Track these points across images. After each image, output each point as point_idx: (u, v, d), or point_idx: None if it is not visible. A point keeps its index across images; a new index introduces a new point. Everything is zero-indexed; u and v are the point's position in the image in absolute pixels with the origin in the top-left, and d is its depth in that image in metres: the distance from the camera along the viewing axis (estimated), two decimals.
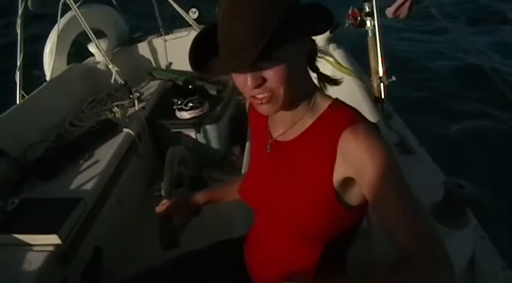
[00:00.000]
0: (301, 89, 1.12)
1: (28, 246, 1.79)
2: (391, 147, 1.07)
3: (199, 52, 1.07)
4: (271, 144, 1.25)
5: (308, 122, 1.15)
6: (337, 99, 1.17)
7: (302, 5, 1.05)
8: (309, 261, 1.25)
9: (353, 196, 1.12)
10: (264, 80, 1.01)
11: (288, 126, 1.19)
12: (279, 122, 1.23)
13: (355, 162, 1.03)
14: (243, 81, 1.02)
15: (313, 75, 1.22)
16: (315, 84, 1.20)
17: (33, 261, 1.72)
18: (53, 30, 3.18)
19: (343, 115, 1.10)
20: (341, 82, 1.23)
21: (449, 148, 4.23)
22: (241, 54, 0.94)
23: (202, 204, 1.61)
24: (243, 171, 2.19)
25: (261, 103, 1.06)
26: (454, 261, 1.02)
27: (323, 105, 1.15)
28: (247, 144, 2.45)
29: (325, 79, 1.22)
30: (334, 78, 1.22)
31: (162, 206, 1.56)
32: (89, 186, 2.16)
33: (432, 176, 1.73)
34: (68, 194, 2.10)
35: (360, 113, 1.12)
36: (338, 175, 1.07)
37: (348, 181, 1.08)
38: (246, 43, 0.93)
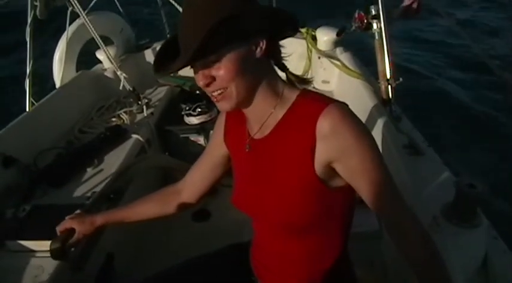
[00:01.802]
0: (257, 85, 1.15)
1: (40, 252, 1.80)
2: (363, 123, 1.14)
3: (164, 56, 1.14)
4: (249, 143, 1.28)
5: (279, 114, 1.19)
6: (305, 89, 1.21)
7: (259, 6, 1.12)
8: (308, 256, 1.28)
9: (335, 178, 1.15)
10: (213, 78, 1.08)
11: (261, 122, 1.22)
12: (252, 120, 1.26)
13: (334, 142, 1.07)
14: (199, 80, 1.10)
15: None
16: (280, 78, 1.22)
17: (46, 268, 1.72)
18: (61, 38, 3.20)
19: (314, 101, 1.13)
20: (311, 81, 1.28)
21: (459, 149, 4.22)
22: (185, 51, 1.03)
23: (99, 225, 1.61)
24: None
25: (217, 100, 1.13)
26: (467, 262, 1.03)
27: (291, 96, 1.18)
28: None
29: (294, 78, 1.25)
30: (303, 77, 1.26)
31: (68, 218, 1.61)
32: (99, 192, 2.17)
33: (442, 177, 1.73)
34: (78, 200, 2.10)
35: (328, 97, 1.16)
36: (320, 158, 1.10)
37: (329, 164, 1.11)
38: (190, 40, 1.00)
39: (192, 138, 3.04)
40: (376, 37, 2.25)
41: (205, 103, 3.03)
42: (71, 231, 1.58)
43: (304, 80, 1.25)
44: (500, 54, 6.71)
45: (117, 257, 2.14)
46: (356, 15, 2.34)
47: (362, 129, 1.11)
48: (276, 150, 1.19)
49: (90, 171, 2.34)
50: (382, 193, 1.14)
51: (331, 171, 1.13)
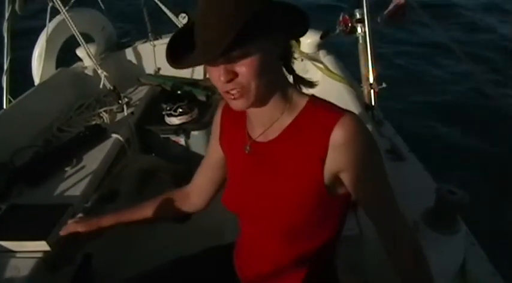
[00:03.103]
0: (274, 86, 1.14)
1: (16, 253, 1.77)
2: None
3: (176, 47, 1.09)
4: (250, 145, 1.26)
5: (287, 120, 1.17)
6: (313, 96, 1.20)
7: (277, 3, 1.07)
8: (299, 259, 1.27)
9: (339, 186, 1.16)
10: (236, 75, 1.03)
11: (266, 126, 1.21)
12: (256, 123, 1.24)
13: (347, 153, 1.07)
14: (217, 76, 1.05)
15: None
16: (290, 83, 1.21)
17: (22, 268, 1.69)
18: (41, 35, 3.15)
19: (326, 110, 1.13)
20: (316, 84, 1.25)
21: (440, 154, 4.26)
22: (213, 46, 0.96)
23: (106, 227, 1.59)
24: None
25: (234, 98, 1.08)
26: (445, 268, 1.04)
27: (301, 102, 1.17)
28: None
29: (301, 81, 1.24)
30: (309, 80, 1.25)
31: (71, 222, 1.59)
32: (77, 192, 2.13)
33: (423, 182, 1.74)
34: (56, 200, 2.07)
35: (338, 106, 1.16)
36: (329, 168, 1.10)
37: (338, 173, 1.11)
38: (217, 35, 0.96)
39: (172, 139, 3.02)
40: (360, 41, 2.27)
41: (187, 103, 3.02)
42: (74, 236, 1.54)
43: (311, 83, 1.25)
44: (484, 56, 6.80)
45: (97, 257, 2.12)
46: (341, 18, 2.35)
47: (374, 142, 1.14)
48: (281, 156, 1.18)
49: (68, 170, 2.31)
50: (384, 206, 1.18)
51: (337, 179, 1.13)
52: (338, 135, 1.06)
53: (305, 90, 1.24)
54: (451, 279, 1.44)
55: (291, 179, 1.16)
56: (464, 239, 1.43)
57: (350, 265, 1.67)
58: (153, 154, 3.10)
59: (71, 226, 1.56)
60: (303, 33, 1.19)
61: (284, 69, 1.22)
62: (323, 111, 1.13)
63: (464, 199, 1.32)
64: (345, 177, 1.13)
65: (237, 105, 1.11)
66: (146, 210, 1.59)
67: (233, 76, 1.03)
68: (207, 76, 3.71)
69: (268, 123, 1.20)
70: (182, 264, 1.56)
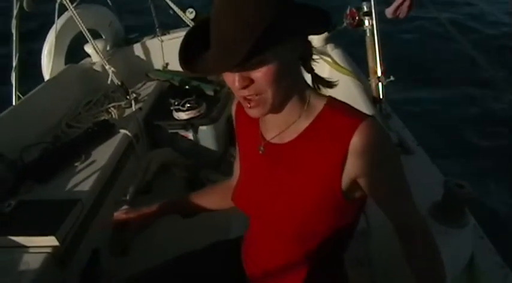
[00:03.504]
0: (292, 91, 1.10)
1: (25, 248, 1.78)
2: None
3: (189, 48, 1.06)
4: (265, 146, 1.23)
5: (304, 123, 1.14)
6: (330, 97, 1.16)
7: (297, 4, 1.03)
8: (309, 259, 1.25)
9: (356, 190, 1.13)
10: (252, 81, 1.00)
11: (282, 128, 1.18)
12: (272, 124, 1.21)
13: (367, 158, 1.05)
14: (232, 81, 1.01)
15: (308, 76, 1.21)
16: (308, 85, 1.18)
17: (31, 263, 1.71)
18: (50, 31, 3.16)
19: (345, 114, 1.10)
20: (336, 85, 1.22)
21: (448, 148, 4.24)
22: (230, 53, 0.92)
23: (158, 215, 1.57)
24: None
25: (249, 107, 1.06)
26: (454, 261, 1.03)
27: (318, 105, 1.14)
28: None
29: (320, 81, 1.21)
30: (329, 80, 1.21)
31: (119, 213, 1.55)
32: (86, 188, 2.15)
33: (431, 176, 1.73)
34: (65, 196, 2.09)
35: (357, 109, 1.13)
36: (348, 172, 1.08)
37: (356, 178, 1.09)
38: (235, 42, 0.92)
39: (181, 134, 3.02)
40: (368, 34, 2.25)
41: (194, 98, 3.02)
42: (125, 225, 1.53)
43: (329, 83, 1.21)
44: (491, 51, 6.74)
45: (104, 253, 2.13)
46: (348, 11, 2.34)
47: (393, 146, 1.15)
48: (297, 158, 1.16)
49: (77, 166, 2.32)
50: (402, 205, 1.18)
51: (354, 184, 1.11)
52: (358, 141, 1.03)
53: (309, 82, 1.22)
54: (460, 272, 1.44)
55: (307, 183, 1.13)
56: (473, 232, 1.43)
57: (357, 260, 1.67)
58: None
59: (122, 217, 1.54)
60: (323, 31, 1.15)
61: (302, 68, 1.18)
62: (341, 115, 1.09)
63: (472, 192, 1.32)
64: (364, 182, 1.11)
65: (254, 113, 1.08)
66: (197, 201, 1.58)
67: (249, 82, 1.00)
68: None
69: (284, 125, 1.17)
70: (189, 258, 1.56)
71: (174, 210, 1.61)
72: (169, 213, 1.59)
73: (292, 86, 1.09)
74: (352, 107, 1.14)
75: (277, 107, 1.09)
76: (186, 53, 1.05)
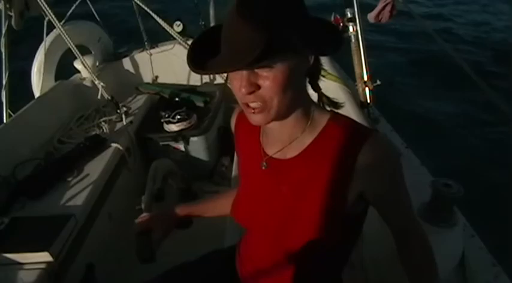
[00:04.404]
0: (296, 104, 1.08)
1: (20, 264, 1.78)
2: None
3: (197, 52, 1.04)
4: (267, 161, 1.21)
5: (308, 138, 1.12)
6: (334, 112, 1.15)
7: (314, 18, 1.03)
8: (311, 275, 1.25)
9: (360, 204, 1.13)
10: (258, 88, 0.98)
11: (285, 143, 1.16)
12: (274, 138, 1.19)
13: (374, 174, 1.06)
14: (238, 86, 0.99)
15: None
16: (312, 100, 1.16)
17: (26, 280, 1.71)
18: (39, 49, 3.18)
19: (350, 129, 1.09)
20: (342, 106, 1.21)
21: (436, 149, 4.27)
22: (241, 53, 0.91)
23: (181, 218, 1.57)
24: (232, 182, 2.19)
25: (253, 112, 1.03)
26: (445, 261, 1.05)
27: (322, 120, 1.12)
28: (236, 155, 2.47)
29: (326, 101, 1.19)
30: (335, 100, 1.20)
31: (141, 220, 1.53)
32: (79, 202, 2.15)
33: (420, 177, 1.75)
34: (58, 211, 2.09)
35: (361, 124, 1.13)
36: (355, 188, 1.07)
37: (362, 193, 1.09)
38: (246, 43, 0.91)
39: (172, 146, 3.03)
40: (353, 40, 2.27)
41: (185, 110, 3.04)
42: (149, 232, 1.52)
43: (336, 104, 1.20)
44: (475, 54, 6.81)
45: (99, 268, 2.13)
46: (332, 18, 2.36)
47: (398, 160, 1.15)
48: (300, 175, 1.13)
49: (69, 181, 2.33)
50: (403, 215, 1.20)
51: (360, 198, 1.10)
52: (365, 158, 1.03)
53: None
54: (450, 273, 1.45)
55: (312, 199, 1.11)
56: (463, 231, 1.44)
57: (351, 263, 1.67)
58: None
59: (144, 224, 1.53)
60: (333, 52, 1.10)
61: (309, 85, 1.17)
62: (347, 131, 1.08)
63: (460, 191, 1.33)
64: (369, 195, 1.11)
65: (256, 120, 1.05)
66: (220, 206, 1.56)
67: (255, 88, 0.98)
68: (204, 82, 3.74)
69: (287, 140, 1.15)
70: (184, 269, 1.56)
71: (196, 214, 1.60)
72: (193, 215, 1.59)
73: (297, 98, 1.07)
74: (357, 122, 1.13)
75: (280, 117, 1.07)
76: (194, 55, 1.04)
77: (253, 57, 0.88)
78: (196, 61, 1.02)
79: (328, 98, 1.19)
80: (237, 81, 0.99)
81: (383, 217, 1.19)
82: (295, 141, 1.14)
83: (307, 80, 1.13)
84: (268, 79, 0.97)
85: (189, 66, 1.02)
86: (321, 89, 1.18)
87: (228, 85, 1.14)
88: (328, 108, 1.18)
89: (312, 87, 1.16)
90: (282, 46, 0.92)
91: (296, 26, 0.95)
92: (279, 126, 1.12)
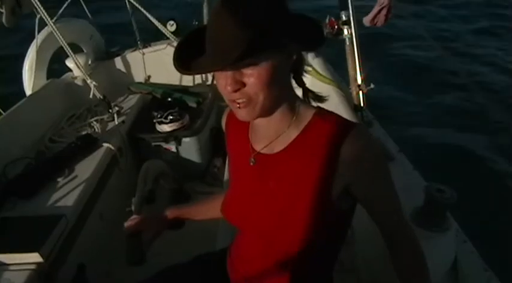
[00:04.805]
0: (282, 99, 1.10)
1: (9, 265, 1.77)
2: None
3: (183, 53, 1.06)
4: (255, 157, 1.22)
5: (294, 133, 1.14)
6: (319, 108, 1.17)
7: (294, 14, 1.04)
8: (300, 273, 1.24)
9: (346, 199, 1.13)
10: (243, 85, 1.00)
11: (271, 138, 1.17)
12: (261, 134, 1.21)
13: (358, 167, 1.06)
14: (224, 85, 1.01)
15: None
16: (297, 96, 1.18)
17: (15, 281, 1.69)
18: (31, 47, 3.15)
19: (334, 123, 1.10)
20: (326, 99, 1.22)
21: (429, 154, 4.29)
22: (224, 52, 0.93)
23: (172, 220, 1.58)
24: (224, 183, 2.18)
25: (239, 107, 1.05)
26: (437, 265, 1.05)
27: (307, 115, 1.14)
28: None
29: (311, 95, 1.21)
30: (319, 94, 1.21)
31: (131, 222, 1.53)
32: (70, 202, 2.14)
33: (413, 182, 1.75)
34: (49, 211, 2.08)
35: (346, 118, 1.13)
36: (339, 181, 1.08)
37: (348, 187, 1.09)
38: (230, 42, 0.92)
39: (164, 146, 3.02)
40: (347, 43, 2.28)
41: (177, 110, 3.02)
42: (138, 234, 1.52)
43: (320, 98, 1.21)
44: (468, 58, 6.85)
45: (90, 268, 2.12)
46: (327, 20, 2.36)
47: (382, 154, 1.13)
48: (287, 169, 1.14)
49: (60, 181, 2.31)
50: (393, 215, 1.17)
51: (346, 192, 1.10)
52: (348, 149, 1.04)
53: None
54: (444, 276, 1.45)
55: (298, 192, 1.12)
56: (456, 236, 1.44)
57: (342, 266, 1.68)
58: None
59: (134, 226, 1.52)
60: (316, 47, 1.17)
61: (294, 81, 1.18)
62: (330, 124, 1.09)
63: (453, 197, 1.34)
64: (355, 190, 1.11)
65: (243, 115, 1.07)
66: (212, 210, 1.54)
67: (240, 86, 1.00)
68: (197, 82, 3.73)
69: (274, 135, 1.17)
70: (175, 271, 1.56)
71: (187, 216, 1.60)
72: (184, 218, 1.60)
73: (282, 94, 1.09)
74: (341, 116, 1.14)
75: (266, 112, 1.09)
76: (180, 55, 1.06)
77: (236, 55, 0.90)
78: (182, 61, 1.04)
79: (312, 92, 1.21)
80: (223, 80, 1.01)
81: (373, 218, 1.18)
82: (281, 135, 1.15)
83: (292, 75, 1.14)
84: (253, 76, 0.98)
85: (175, 67, 1.03)
86: (305, 84, 1.19)
87: (215, 83, 1.15)
88: (315, 104, 1.19)
89: (296, 82, 1.17)
90: (266, 43, 0.94)
91: (279, 23, 0.97)
92: (266, 122, 1.14)
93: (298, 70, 1.15)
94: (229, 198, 1.35)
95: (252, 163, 1.22)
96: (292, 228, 1.13)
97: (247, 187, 1.27)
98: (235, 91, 1.00)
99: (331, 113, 1.16)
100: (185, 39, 1.10)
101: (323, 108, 1.17)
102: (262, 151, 1.20)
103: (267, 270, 1.28)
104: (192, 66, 1.03)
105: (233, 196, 1.34)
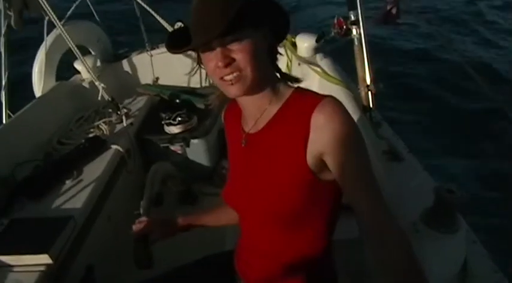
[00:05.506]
0: (264, 76, 1.18)
1: (19, 267, 1.77)
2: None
3: (175, 36, 1.20)
4: (245, 138, 1.30)
5: (274, 109, 1.22)
6: (299, 87, 1.25)
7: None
8: (295, 254, 1.27)
9: (327, 171, 1.15)
10: (233, 59, 1.09)
11: (256, 116, 1.25)
12: (248, 115, 1.29)
13: (327, 133, 1.08)
14: (214, 64, 1.10)
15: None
16: (277, 76, 1.27)
17: (25, 282, 1.69)
18: (40, 49, 3.17)
19: (309, 96, 1.17)
20: (301, 80, 1.29)
21: (439, 154, 4.26)
22: (210, 29, 1.02)
23: (180, 228, 1.61)
24: None
25: (232, 84, 1.12)
26: (447, 267, 1.03)
27: (287, 92, 1.22)
28: None
29: (287, 77, 1.28)
30: (296, 77, 1.30)
31: (139, 225, 1.55)
32: (78, 204, 2.14)
33: (422, 183, 1.74)
34: (57, 213, 2.08)
35: (324, 94, 1.17)
36: (312, 149, 1.11)
37: (321, 156, 1.12)
38: (214, 19, 1.02)
39: (172, 148, 3.01)
40: (356, 43, 2.26)
41: (185, 112, 3.02)
42: (146, 237, 1.54)
43: (296, 79, 1.28)
44: (479, 56, 6.81)
45: (99, 269, 2.12)
46: (335, 21, 2.35)
47: (354, 124, 1.13)
48: (269, 144, 1.21)
49: (69, 183, 2.31)
50: (366, 191, 1.10)
51: (321, 163, 1.13)
52: (318, 116, 1.09)
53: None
54: (452, 279, 1.43)
55: (280, 165, 1.18)
56: (465, 237, 1.43)
57: (351, 270, 1.67)
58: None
59: (142, 229, 1.55)
60: (285, 34, 1.26)
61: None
62: (307, 98, 1.16)
63: (462, 197, 1.32)
64: (328, 160, 1.11)
65: (233, 91, 1.14)
66: (221, 215, 1.62)
67: (230, 60, 1.08)
68: (205, 84, 3.74)
69: (258, 113, 1.24)
70: (183, 271, 1.56)
71: (198, 224, 1.64)
72: (192, 226, 1.63)
73: (265, 70, 1.18)
74: (318, 93, 1.19)
75: (254, 87, 1.16)
76: (172, 38, 1.19)
77: (221, 29, 1.00)
78: (174, 43, 1.16)
79: (288, 74, 1.30)
80: (212, 61, 1.11)
81: (349, 201, 1.13)
82: (264, 112, 1.23)
83: (269, 61, 1.22)
84: (240, 51, 1.08)
85: (166, 48, 1.17)
86: (280, 69, 1.28)
87: (202, 68, 1.22)
88: (295, 85, 1.27)
89: (272, 66, 1.25)
90: (245, 22, 1.05)
91: (254, 5, 1.07)
92: (251, 100, 1.22)
93: (273, 57, 1.24)
94: (228, 183, 1.41)
95: (243, 145, 1.30)
96: (279, 200, 1.18)
97: (240, 170, 1.35)
98: (227, 66, 1.09)
99: (309, 90, 1.22)
100: (182, 27, 1.21)
101: (302, 87, 1.25)
102: (250, 132, 1.28)
103: (263, 253, 1.33)
104: (182, 46, 1.12)
105: (231, 181, 1.41)
